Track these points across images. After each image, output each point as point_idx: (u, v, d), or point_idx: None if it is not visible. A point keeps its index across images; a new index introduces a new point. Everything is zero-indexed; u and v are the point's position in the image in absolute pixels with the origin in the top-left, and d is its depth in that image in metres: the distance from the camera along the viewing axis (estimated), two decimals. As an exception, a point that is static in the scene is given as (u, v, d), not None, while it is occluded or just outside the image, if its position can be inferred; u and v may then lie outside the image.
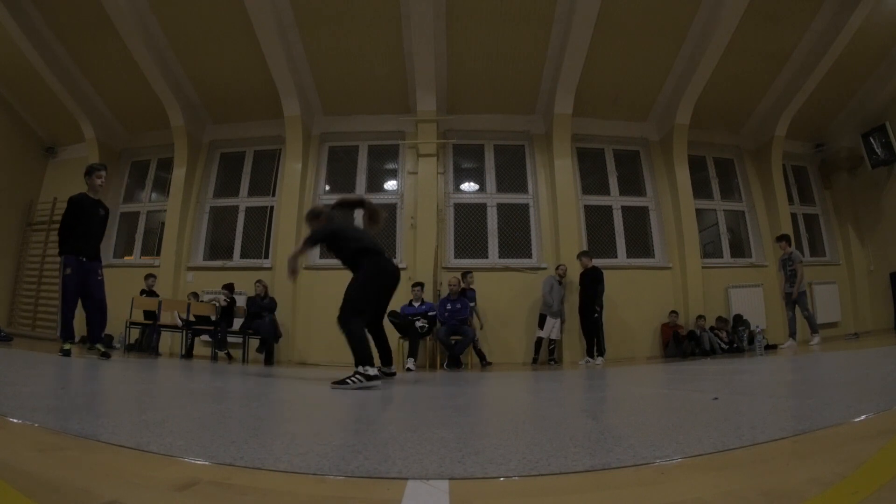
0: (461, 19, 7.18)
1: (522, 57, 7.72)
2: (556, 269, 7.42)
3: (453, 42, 7.48)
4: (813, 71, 7.65)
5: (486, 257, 8.07)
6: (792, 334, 6.80)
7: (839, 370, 3.07)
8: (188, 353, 6.98)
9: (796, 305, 6.80)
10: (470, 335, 6.61)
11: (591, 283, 7.00)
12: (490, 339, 7.46)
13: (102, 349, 4.68)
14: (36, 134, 9.41)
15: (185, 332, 7.01)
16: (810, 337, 6.68)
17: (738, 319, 7.74)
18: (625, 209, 8.50)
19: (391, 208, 8.29)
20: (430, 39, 7.19)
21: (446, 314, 6.81)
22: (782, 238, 7.18)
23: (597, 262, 7.36)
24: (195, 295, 7.56)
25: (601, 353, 6.88)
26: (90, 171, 4.78)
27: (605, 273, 7.15)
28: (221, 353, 6.91)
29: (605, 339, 7.02)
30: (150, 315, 7.17)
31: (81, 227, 4.64)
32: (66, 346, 4.47)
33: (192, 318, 7.04)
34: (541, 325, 7.21)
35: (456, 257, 8.07)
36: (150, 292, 7.50)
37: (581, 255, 7.25)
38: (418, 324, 6.32)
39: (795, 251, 6.98)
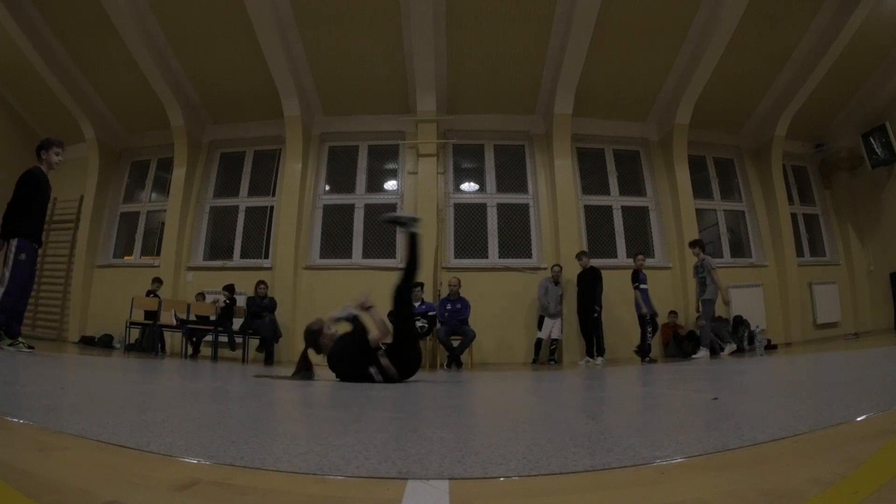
0: (461, 19, 7.19)
1: (522, 57, 7.72)
2: (551, 269, 7.41)
3: (453, 42, 7.48)
4: (813, 71, 7.66)
5: (486, 257, 8.06)
6: (721, 346, 6.79)
7: (839, 370, 3.07)
8: (194, 353, 6.99)
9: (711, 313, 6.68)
10: (470, 335, 6.61)
11: (591, 282, 7.01)
12: (490, 340, 7.46)
13: (26, 343, 4.10)
14: (36, 134, 9.38)
15: (183, 332, 7.00)
16: (699, 350, 6.58)
17: (739, 320, 7.73)
18: (625, 209, 8.50)
19: (391, 208, 8.30)
20: (430, 39, 7.19)
21: (446, 314, 6.82)
22: (695, 244, 6.99)
23: (597, 262, 7.38)
24: (202, 295, 7.54)
25: (601, 352, 6.89)
26: (48, 146, 4.27)
27: (606, 273, 7.16)
28: (232, 351, 6.94)
29: (604, 338, 7.03)
30: (151, 315, 7.17)
31: (37, 207, 4.15)
32: (21, 342, 4.01)
33: (193, 318, 7.04)
34: (540, 326, 7.22)
35: (456, 257, 8.07)
36: (155, 294, 7.50)
37: (580, 254, 7.27)
38: (418, 324, 6.32)
39: (708, 258, 6.82)
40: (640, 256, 7.14)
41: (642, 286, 6.86)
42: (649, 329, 6.73)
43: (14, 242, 3.96)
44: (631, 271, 7.08)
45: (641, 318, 6.81)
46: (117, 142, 9.10)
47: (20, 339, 4.07)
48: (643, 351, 6.70)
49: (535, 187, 8.38)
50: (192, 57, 7.78)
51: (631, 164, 8.90)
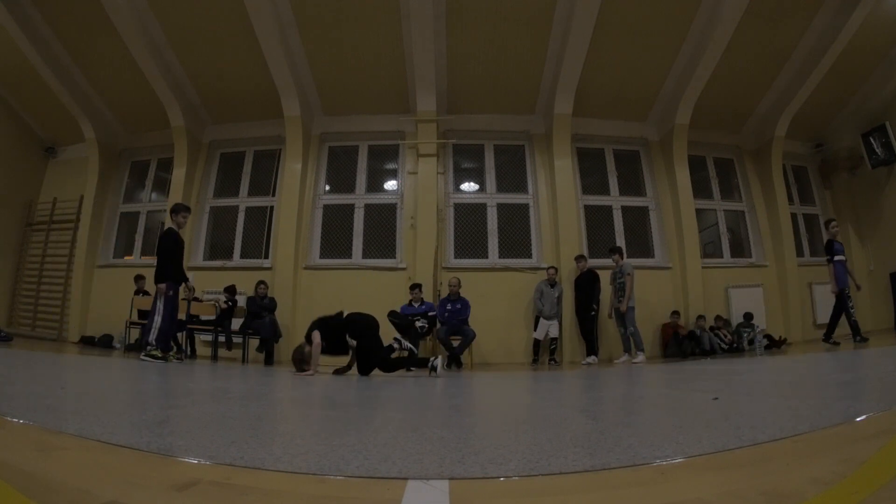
0: (461, 19, 7.18)
1: (522, 57, 7.71)
2: (546, 271, 7.40)
3: (453, 42, 7.48)
4: (813, 71, 7.65)
5: (486, 257, 8.06)
6: (626, 350, 6.79)
7: (839, 370, 3.07)
8: (191, 353, 6.96)
9: (626, 321, 6.68)
10: (470, 336, 6.61)
11: (588, 284, 7.08)
12: (490, 340, 7.47)
13: (175, 355, 5.57)
14: (36, 134, 9.41)
15: (182, 332, 6.98)
16: (634, 354, 6.58)
17: (747, 317, 7.72)
18: (625, 209, 8.49)
19: (391, 208, 8.30)
20: (430, 39, 7.19)
21: (446, 314, 6.81)
22: (615, 250, 7.05)
23: (597, 262, 7.42)
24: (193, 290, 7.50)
25: (594, 352, 6.90)
26: (177, 210, 5.54)
27: (606, 273, 7.19)
28: (226, 351, 6.92)
29: (598, 339, 7.06)
30: (145, 315, 7.14)
31: (178, 258, 5.47)
32: (171, 355, 5.32)
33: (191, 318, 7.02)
34: (536, 327, 7.24)
35: (456, 257, 8.07)
36: (144, 293, 7.48)
37: (578, 258, 7.33)
38: (418, 324, 6.31)
39: (627, 263, 6.81)
40: (834, 223, 6.46)
41: (837, 258, 6.20)
42: (850, 305, 6.09)
43: (165, 286, 5.26)
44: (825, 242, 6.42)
45: (839, 294, 6.18)
46: (117, 142, 9.09)
47: (171, 353, 5.39)
48: (853, 331, 6.12)
49: (535, 187, 8.38)
50: (192, 57, 7.77)
51: (631, 164, 8.89)
